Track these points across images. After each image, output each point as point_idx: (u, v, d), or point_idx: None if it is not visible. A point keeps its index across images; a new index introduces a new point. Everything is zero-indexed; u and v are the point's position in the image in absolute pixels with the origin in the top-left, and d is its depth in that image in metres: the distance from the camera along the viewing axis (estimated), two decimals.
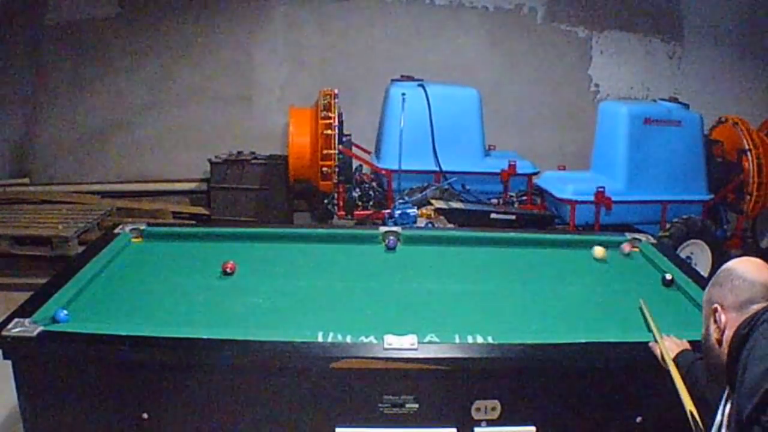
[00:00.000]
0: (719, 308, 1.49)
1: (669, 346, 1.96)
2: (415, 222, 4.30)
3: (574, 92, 6.34)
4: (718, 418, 1.47)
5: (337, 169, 4.80)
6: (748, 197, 4.96)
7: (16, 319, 2.07)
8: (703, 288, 2.52)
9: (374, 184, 5.25)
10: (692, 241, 4.64)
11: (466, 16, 6.19)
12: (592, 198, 4.67)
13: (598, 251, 2.89)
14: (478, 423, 2.01)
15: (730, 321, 1.46)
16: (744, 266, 1.52)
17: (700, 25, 6.28)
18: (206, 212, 5.84)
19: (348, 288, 2.61)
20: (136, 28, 6.06)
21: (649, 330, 2.13)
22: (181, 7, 6.06)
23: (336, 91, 4.83)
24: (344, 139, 5.02)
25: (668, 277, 2.64)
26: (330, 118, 4.74)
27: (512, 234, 3.27)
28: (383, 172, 5.08)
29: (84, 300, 2.35)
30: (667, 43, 6.32)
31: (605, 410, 2.07)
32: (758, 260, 1.56)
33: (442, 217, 4.48)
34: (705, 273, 4.46)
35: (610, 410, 2.07)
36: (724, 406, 1.46)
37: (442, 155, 5.00)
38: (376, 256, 2.97)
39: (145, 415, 2.01)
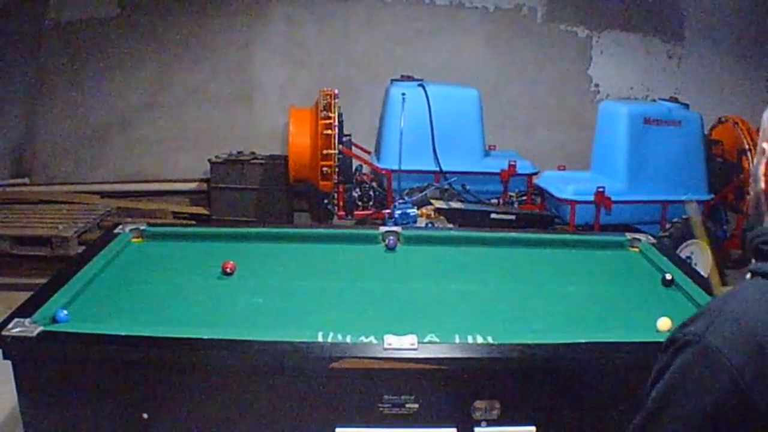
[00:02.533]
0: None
1: None
2: (415, 222, 4.30)
3: (574, 92, 6.34)
4: None
5: (337, 169, 4.80)
6: (748, 197, 4.96)
7: (16, 319, 2.06)
8: (703, 288, 2.54)
9: (374, 184, 5.25)
10: (692, 241, 4.64)
11: (466, 16, 6.19)
12: (592, 198, 4.67)
13: (664, 324, 2.27)
14: (478, 423, 2.01)
15: None
16: None
17: (700, 25, 6.28)
18: (206, 212, 5.84)
19: (348, 288, 2.61)
20: (136, 28, 6.06)
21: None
22: (181, 7, 6.06)
23: (336, 91, 4.83)
24: (344, 139, 5.02)
25: (668, 277, 2.64)
26: (330, 118, 4.74)
27: (512, 234, 3.27)
28: (383, 172, 5.08)
29: (84, 300, 2.35)
30: (667, 43, 6.32)
31: (605, 410, 2.06)
32: None
33: (442, 217, 4.48)
34: (705, 273, 4.46)
35: (610, 410, 2.07)
36: None
37: (442, 155, 5.00)
38: (376, 256, 2.97)
39: (145, 415, 2.01)
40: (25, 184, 5.96)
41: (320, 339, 2.07)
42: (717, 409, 0.97)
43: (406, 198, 4.69)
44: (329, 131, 4.73)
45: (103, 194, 5.83)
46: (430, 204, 4.60)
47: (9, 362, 2.00)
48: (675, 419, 1.01)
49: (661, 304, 2.45)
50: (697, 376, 1.01)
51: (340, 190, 5.12)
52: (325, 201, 5.28)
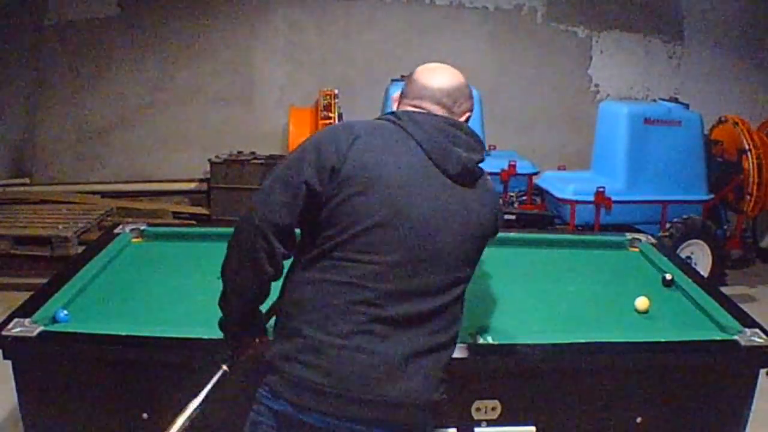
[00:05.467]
0: (396, 96, 1.82)
1: None
2: None
3: (574, 92, 6.34)
4: None
5: None
6: (748, 197, 4.96)
7: (16, 319, 2.06)
8: (703, 288, 2.54)
9: None
10: (692, 241, 4.64)
11: (466, 16, 6.19)
12: (592, 198, 4.67)
13: (642, 303, 2.42)
14: (478, 423, 2.01)
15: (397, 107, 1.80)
16: (423, 67, 1.83)
17: (700, 25, 6.28)
18: (206, 212, 5.84)
19: None
20: (136, 28, 6.06)
21: None
22: (181, 7, 6.06)
23: (336, 91, 4.84)
24: None
25: (668, 277, 2.64)
26: (330, 118, 4.75)
27: (512, 234, 3.26)
28: None
29: (84, 300, 2.35)
30: (667, 43, 6.33)
31: (605, 410, 2.07)
32: (440, 66, 1.85)
33: None
34: (705, 273, 4.46)
35: (610, 410, 2.07)
36: None
37: None
38: None
39: (145, 415, 2.01)
40: (25, 184, 5.96)
41: None
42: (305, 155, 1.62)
43: None
44: None
45: (103, 194, 5.83)
46: None
47: (9, 362, 2.00)
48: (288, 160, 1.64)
49: (660, 304, 2.45)
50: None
51: None
52: None
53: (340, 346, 1.53)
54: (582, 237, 3.37)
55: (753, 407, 2.11)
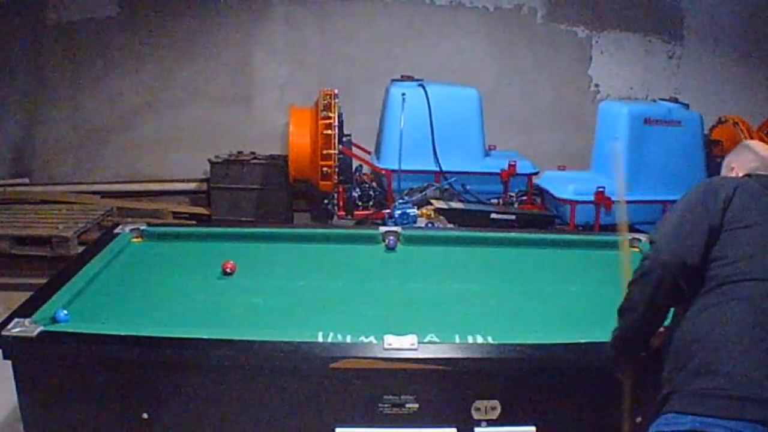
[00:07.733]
0: (734, 168, 1.99)
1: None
2: (415, 222, 4.30)
3: (574, 92, 6.34)
4: None
5: (337, 169, 4.80)
6: None
7: (16, 319, 2.07)
8: None
9: (374, 184, 5.25)
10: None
11: (466, 16, 6.19)
12: (592, 198, 4.66)
13: None
14: (478, 423, 2.01)
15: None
16: (756, 143, 2.05)
17: (700, 25, 6.28)
18: (206, 212, 5.84)
19: (348, 288, 2.61)
20: (136, 28, 6.06)
21: None
22: (181, 7, 6.06)
23: (336, 91, 4.83)
24: (344, 139, 5.02)
25: None
26: (330, 118, 4.74)
27: (512, 234, 3.27)
28: (383, 172, 5.08)
29: (84, 300, 2.35)
30: (667, 43, 6.32)
31: (605, 410, 2.07)
32: None
33: (442, 217, 4.48)
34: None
35: (610, 410, 2.07)
36: None
37: (442, 155, 5.00)
38: (376, 256, 2.97)
39: (145, 415, 2.01)
40: (25, 184, 5.96)
41: (320, 339, 2.07)
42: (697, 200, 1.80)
43: (406, 198, 4.69)
44: (329, 131, 4.73)
45: (103, 194, 5.84)
46: (430, 204, 4.60)
47: (9, 362, 2.00)
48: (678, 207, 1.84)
49: None
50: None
51: (340, 190, 5.12)
52: (325, 201, 5.28)
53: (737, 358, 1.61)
54: (582, 237, 3.38)
55: None
